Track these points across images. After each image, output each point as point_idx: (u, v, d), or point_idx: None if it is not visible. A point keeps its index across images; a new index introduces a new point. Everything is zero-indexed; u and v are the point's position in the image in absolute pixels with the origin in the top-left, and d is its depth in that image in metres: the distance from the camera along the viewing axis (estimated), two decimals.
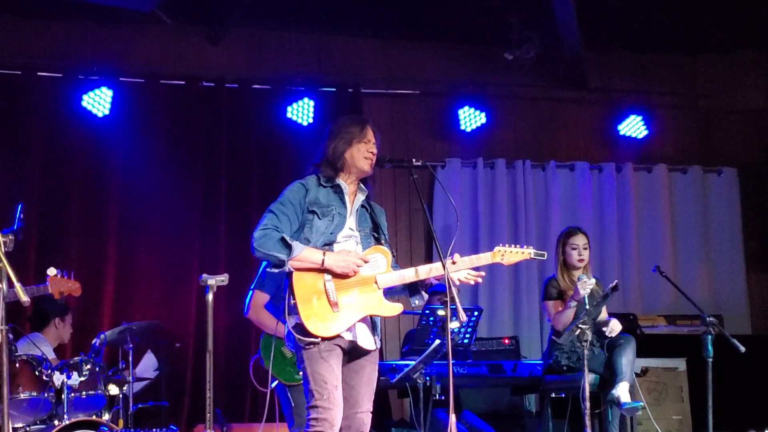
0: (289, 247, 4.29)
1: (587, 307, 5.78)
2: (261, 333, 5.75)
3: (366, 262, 4.41)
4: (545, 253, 4.82)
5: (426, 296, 4.65)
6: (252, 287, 5.80)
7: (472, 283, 4.60)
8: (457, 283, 4.53)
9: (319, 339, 4.31)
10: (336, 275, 4.36)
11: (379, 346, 4.57)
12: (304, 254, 4.32)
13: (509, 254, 4.68)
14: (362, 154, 4.53)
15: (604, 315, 6.57)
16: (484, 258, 4.63)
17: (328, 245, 4.44)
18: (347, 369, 4.46)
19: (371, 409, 4.51)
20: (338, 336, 4.36)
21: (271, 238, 4.31)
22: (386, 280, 4.49)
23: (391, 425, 7.46)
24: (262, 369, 5.62)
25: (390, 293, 4.57)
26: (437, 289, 4.83)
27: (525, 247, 4.74)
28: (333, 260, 4.34)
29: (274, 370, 5.58)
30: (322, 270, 4.34)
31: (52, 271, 5.70)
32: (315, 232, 4.44)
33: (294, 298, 4.32)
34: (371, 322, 4.53)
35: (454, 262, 4.49)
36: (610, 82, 9.38)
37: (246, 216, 8.04)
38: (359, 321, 4.43)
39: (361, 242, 4.54)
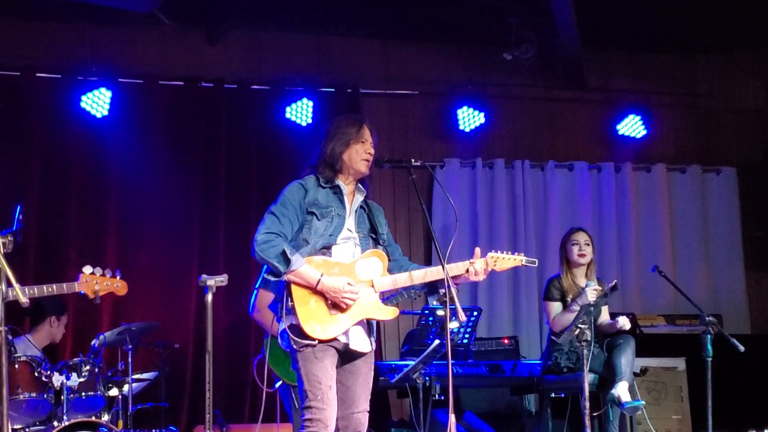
0: (288, 261, 4.28)
1: (591, 309, 5.80)
2: (264, 333, 5.74)
3: (356, 295, 4.38)
4: (536, 260, 4.88)
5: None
6: (256, 286, 5.79)
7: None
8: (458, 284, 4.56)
9: (316, 342, 4.31)
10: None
11: (374, 348, 4.57)
12: (302, 271, 4.31)
13: (501, 260, 4.71)
14: (360, 155, 4.52)
15: (605, 316, 6.58)
16: (478, 264, 4.64)
17: (326, 248, 4.44)
18: (343, 370, 4.45)
19: (368, 409, 4.52)
20: (334, 338, 4.36)
21: (273, 246, 4.30)
22: (383, 284, 4.49)
23: (390, 425, 7.47)
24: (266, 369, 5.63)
25: (401, 294, 4.58)
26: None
27: (516, 253, 4.78)
28: (327, 285, 4.32)
29: (278, 371, 5.59)
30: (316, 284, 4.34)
31: (87, 269, 5.44)
32: (314, 234, 4.43)
33: (292, 300, 4.33)
34: (367, 323, 4.52)
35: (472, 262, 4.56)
36: (608, 82, 9.38)
37: (245, 216, 8.04)
38: (355, 324, 4.43)
39: (359, 244, 4.53)
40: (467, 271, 4.57)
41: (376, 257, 4.52)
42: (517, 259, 4.75)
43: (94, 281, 5.45)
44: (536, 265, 4.88)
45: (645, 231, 9.15)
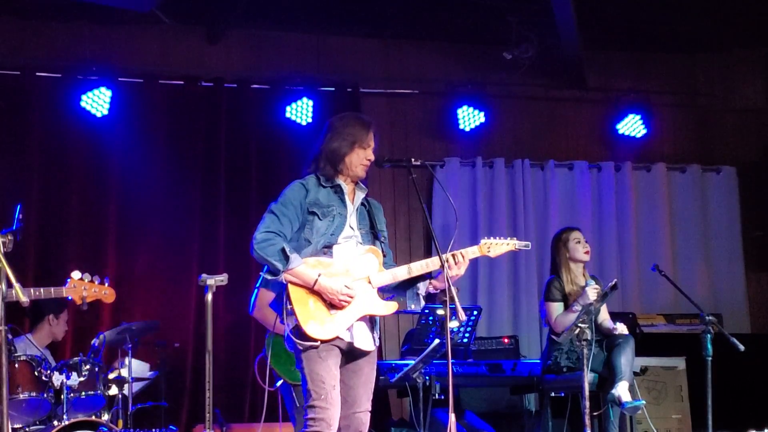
0: (287, 258, 4.29)
1: (592, 309, 5.80)
2: (266, 332, 5.74)
3: (352, 298, 4.39)
4: (529, 243, 4.93)
5: (423, 301, 4.67)
6: (257, 286, 5.79)
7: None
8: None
9: (319, 342, 4.32)
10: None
11: (377, 345, 4.57)
12: (299, 270, 4.32)
13: (495, 246, 4.74)
14: (361, 160, 4.53)
15: (605, 315, 6.58)
16: (472, 252, 4.65)
17: (328, 247, 4.44)
18: (345, 369, 4.46)
19: (370, 409, 4.53)
20: (337, 338, 4.37)
21: (272, 245, 4.31)
22: (380, 280, 4.50)
23: (390, 425, 7.46)
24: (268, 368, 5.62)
25: (387, 293, 4.58)
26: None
27: (509, 238, 4.81)
28: (324, 286, 4.34)
29: (279, 370, 5.59)
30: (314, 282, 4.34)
31: (76, 275, 5.33)
32: (315, 233, 4.43)
33: (291, 303, 4.33)
34: (370, 321, 4.53)
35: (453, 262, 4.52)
36: (608, 81, 9.37)
37: (245, 216, 8.04)
38: (358, 321, 4.44)
39: (361, 242, 4.54)
40: (447, 260, 4.50)
41: (371, 253, 4.54)
42: (510, 244, 4.78)
43: (82, 287, 5.34)
44: (530, 248, 4.92)
45: (645, 230, 9.14)
